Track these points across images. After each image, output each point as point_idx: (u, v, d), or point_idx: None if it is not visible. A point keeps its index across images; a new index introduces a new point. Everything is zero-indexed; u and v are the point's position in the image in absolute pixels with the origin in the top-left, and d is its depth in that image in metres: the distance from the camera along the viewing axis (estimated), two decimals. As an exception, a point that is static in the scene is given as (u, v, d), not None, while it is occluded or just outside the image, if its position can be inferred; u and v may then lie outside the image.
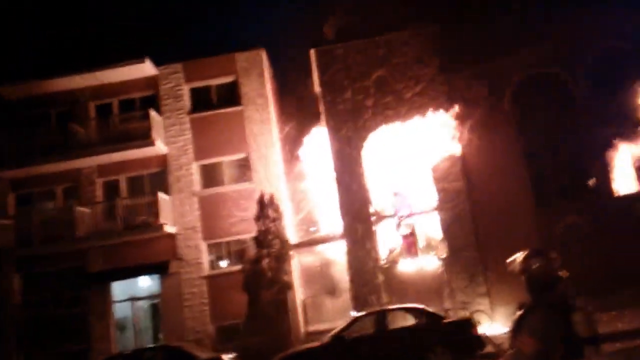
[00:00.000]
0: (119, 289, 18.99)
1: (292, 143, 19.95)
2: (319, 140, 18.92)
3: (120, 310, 18.93)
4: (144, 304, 19.42)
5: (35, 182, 19.65)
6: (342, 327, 13.13)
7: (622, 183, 17.20)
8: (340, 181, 17.44)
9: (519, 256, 3.87)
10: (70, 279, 18.55)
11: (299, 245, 18.03)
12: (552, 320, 3.45)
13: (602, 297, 14.53)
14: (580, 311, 3.48)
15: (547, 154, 17.06)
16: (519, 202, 16.47)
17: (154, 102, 19.99)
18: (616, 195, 16.94)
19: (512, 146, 16.84)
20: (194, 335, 17.47)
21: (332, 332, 13.02)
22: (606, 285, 14.95)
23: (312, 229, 18.87)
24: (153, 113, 19.25)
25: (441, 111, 16.98)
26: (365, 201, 17.16)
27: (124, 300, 18.96)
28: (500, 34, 16.84)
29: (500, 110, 16.93)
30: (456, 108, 16.65)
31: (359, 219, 16.91)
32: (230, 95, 20.04)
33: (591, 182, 17.06)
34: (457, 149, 16.84)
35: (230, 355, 13.02)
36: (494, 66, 16.88)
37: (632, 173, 17.09)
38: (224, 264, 19.03)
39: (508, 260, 4.28)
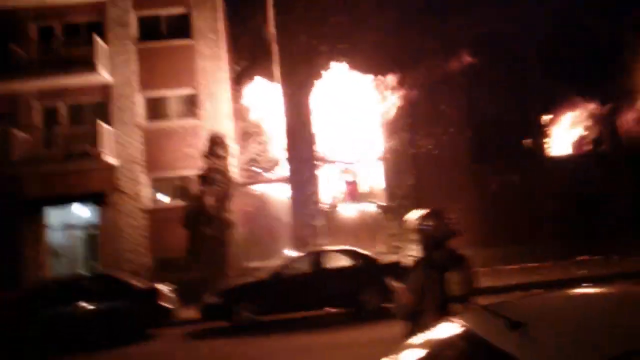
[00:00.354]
0: (55, 216, 18.52)
1: (241, 83, 19.59)
2: (269, 81, 18.66)
3: (56, 238, 18.54)
4: (80, 233, 19.07)
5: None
6: (280, 264, 13.37)
7: (558, 146, 17.99)
8: (289, 124, 17.38)
9: (414, 215, 4.09)
10: (3, 204, 17.92)
11: (243, 185, 18.01)
12: (428, 277, 3.71)
13: (525, 249, 15.43)
14: (458, 271, 3.71)
15: (490, 111, 17.50)
16: (458, 156, 16.96)
17: (100, 29, 18.97)
18: (549, 156, 17.71)
19: (458, 102, 17.16)
20: (131, 267, 17.35)
21: (270, 269, 13.23)
22: (532, 239, 15.84)
23: (255, 168, 18.81)
24: (98, 39, 18.33)
25: (393, 63, 17.03)
26: (311, 145, 17.23)
27: (60, 229, 18.58)
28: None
29: (451, 65, 17.11)
30: (407, 60, 16.73)
31: (304, 163, 17.02)
32: (181, 28, 19.27)
33: (527, 142, 17.73)
34: (404, 101, 17.02)
35: (167, 287, 13.03)
36: (451, 21, 16.95)
37: (568, 137, 17.87)
38: (166, 198, 18.82)
39: (404, 218, 4.52)
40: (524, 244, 15.83)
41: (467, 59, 17.14)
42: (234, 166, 17.96)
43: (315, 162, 17.17)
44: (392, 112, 17.02)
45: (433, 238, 3.80)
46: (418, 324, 3.64)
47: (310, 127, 17.33)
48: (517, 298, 3.20)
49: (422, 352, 2.69)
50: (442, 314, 3.54)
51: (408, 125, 16.85)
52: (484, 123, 17.31)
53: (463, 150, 17.07)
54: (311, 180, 16.94)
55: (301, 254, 13.82)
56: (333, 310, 12.90)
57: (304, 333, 11.59)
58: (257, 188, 18.30)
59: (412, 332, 3.56)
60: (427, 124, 16.65)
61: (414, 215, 4.07)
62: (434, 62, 16.93)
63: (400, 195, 16.54)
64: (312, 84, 17.44)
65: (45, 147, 17.79)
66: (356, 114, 17.26)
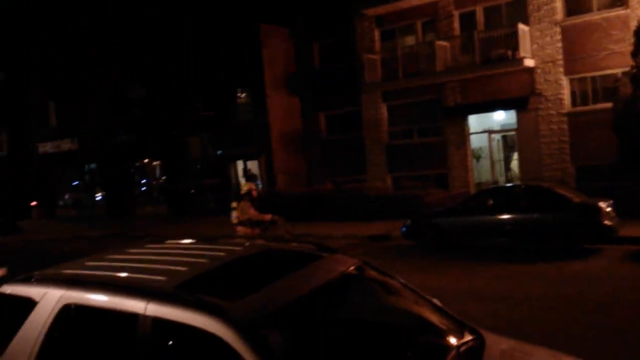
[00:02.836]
0: (474, 121, 18.61)
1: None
2: None
3: (476, 141, 18.68)
4: (498, 137, 18.91)
5: (396, 17, 19.66)
6: None
7: None
8: None
9: None
10: (428, 111, 18.93)
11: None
12: None
13: None
14: None
15: None
16: None
17: None
18: None
19: None
20: (550, 173, 16.20)
21: None
22: None
23: None
24: None
25: None
26: None
27: (479, 132, 18.66)
28: None
29: None
30: None
31: None
32: None
33: None
34: None
35: (605, 202, 11.48)
36: None
37: None
38: (588, 100, 16.63)
39: None
40: None
41: None
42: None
43: None
44: None
45: None
46: None
47: None
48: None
49: None
50: None
51: None
52: None
53: None
54: None
55: None
56: None
57: None
58: None
59: None
60: None
61: None
62: None
63: None
64: None
65: (464, 55, 17.53)
66: None
